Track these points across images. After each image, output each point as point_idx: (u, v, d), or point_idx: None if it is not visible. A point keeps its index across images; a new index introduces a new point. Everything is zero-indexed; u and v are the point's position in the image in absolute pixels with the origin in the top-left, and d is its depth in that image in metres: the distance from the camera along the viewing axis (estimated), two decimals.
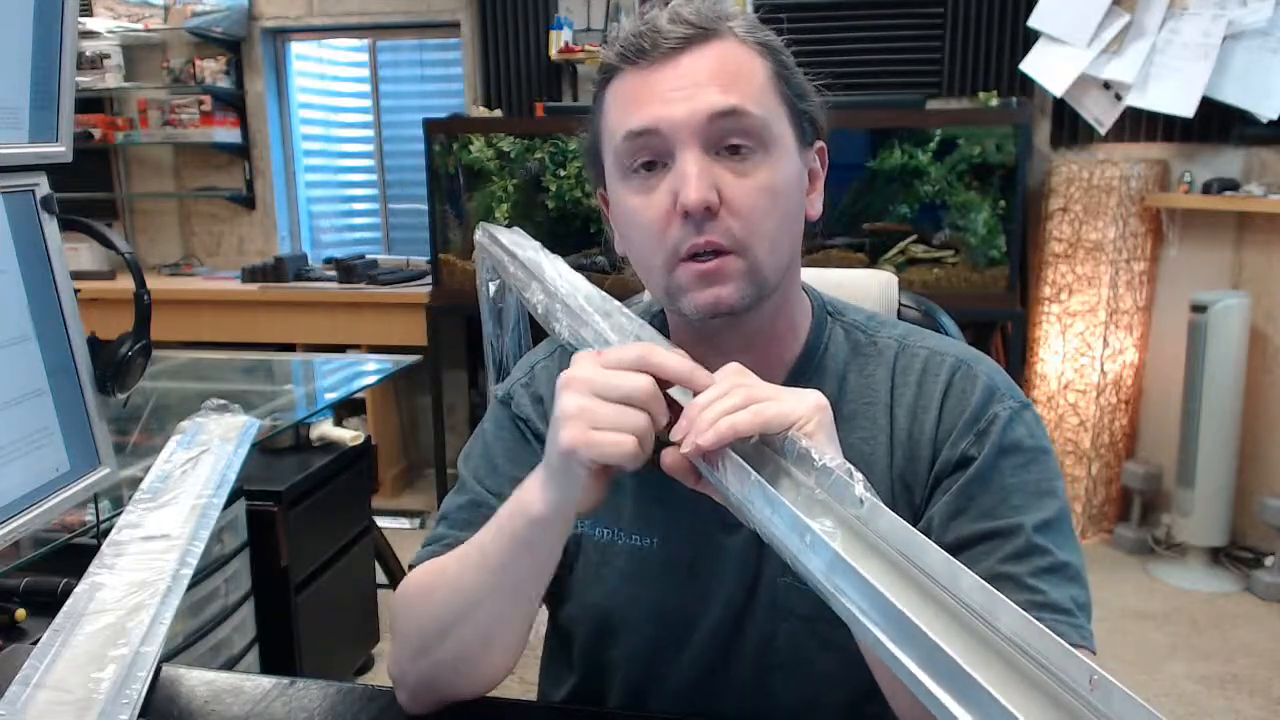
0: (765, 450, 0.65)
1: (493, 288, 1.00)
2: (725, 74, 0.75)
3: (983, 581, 0.50)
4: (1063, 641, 0.45)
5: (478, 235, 0.99)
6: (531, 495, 0.72)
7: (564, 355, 0.90)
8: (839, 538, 0.55)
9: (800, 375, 0.83)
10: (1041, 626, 0.46)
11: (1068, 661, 0.43)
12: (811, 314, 0.86)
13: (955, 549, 0.75)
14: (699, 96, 0.73)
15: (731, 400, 0.64)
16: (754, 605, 0.81)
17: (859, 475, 0.59)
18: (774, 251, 0.77)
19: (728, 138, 0.74)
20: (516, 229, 0.98)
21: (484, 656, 0.79)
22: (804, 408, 0.64)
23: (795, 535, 0.56)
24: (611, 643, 0.86)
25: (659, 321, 0.90)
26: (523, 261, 0.92)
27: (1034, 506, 0.75)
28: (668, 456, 0.67)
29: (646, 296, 1.00)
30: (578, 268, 0.91)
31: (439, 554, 0.82)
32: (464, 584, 0.77)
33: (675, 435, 0.66)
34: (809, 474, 0.61)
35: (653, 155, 0.75)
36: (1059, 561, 0.73)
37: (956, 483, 0.77)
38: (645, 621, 0.84)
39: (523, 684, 0.97)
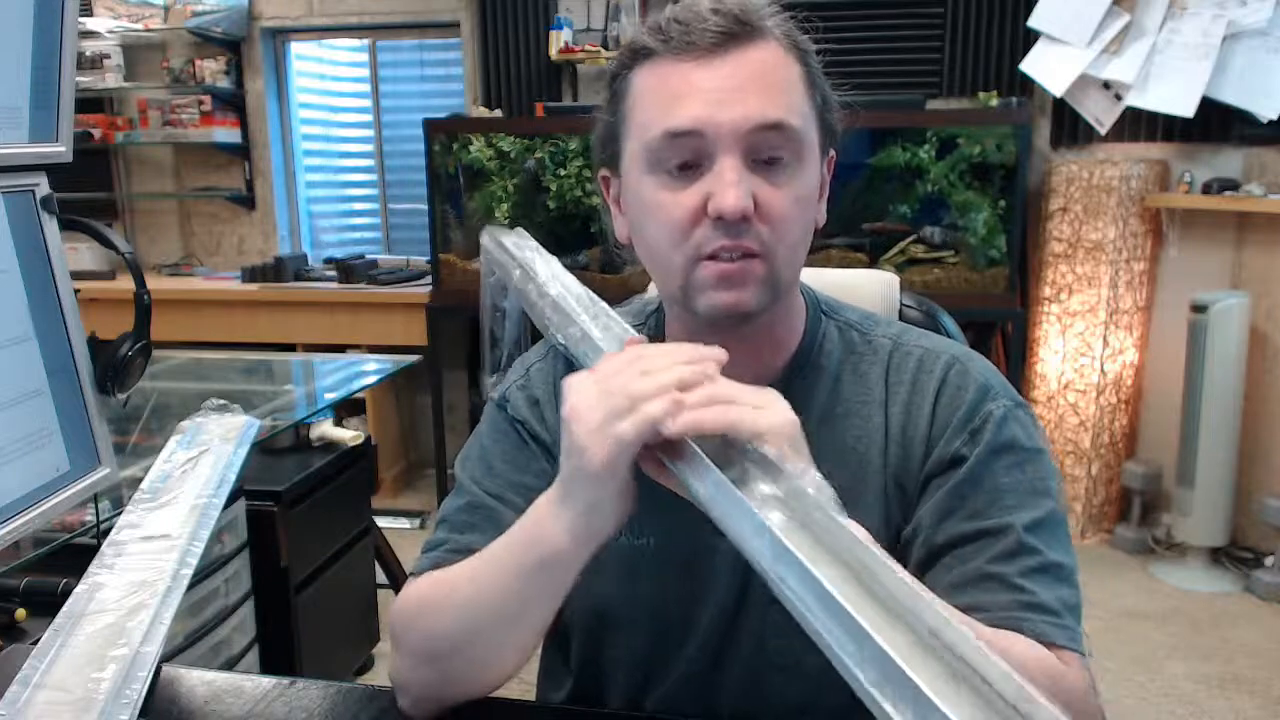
0: (731, 452, 0.64)
1: (495, 287, 1.00)
2: (770, 82, 0.74)
3: (942, 604, 0.49)
4: (1013, 673, 0.44)
5: (483, 238, 0.99)
6: (549, 529, 0.69)
7: (558, 356, 0.90)
8: (794, 536, 0.54)
9: (796, 373, 0.83)
10: (988, 651, 0.45)
11: (1015, 691, 0.43)
12: (806, 312, 0.86)
13: (945, 548, 0.75)
14: (745, 104, 0.72)
15: (701, 394, 0.63)
16: (746, 606, 0.82)
17: (828, 488, 0.58)
18: (793, 258, 0.78)
19: (768, 149, 0.74)
20: (519, 230, 0.98)
21: (494, 667, 0.78)
22: (772, 421, 0.62)
23: (752, 532, 0.55)
24: (609, 642, 0.86)
25: (655, 321, 0.90)
26: (520, 262, 0.92)
27: (1026, 506, 0.75)
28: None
29: (646, 295, 1.00)
30: (569, 268, 0.90)
31: (442, 560, 0.81)
32: (476, 607, 0.75)
33: None
34: (774, 481, 0.60)
35: (689, 156, 0.74)
36: (1049, 562, 0.73)
37: (948, 482, 0.76)
38: (642, 620, 0.84)
39: (522, 684, 0.97)
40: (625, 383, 0.63)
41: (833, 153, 0.83)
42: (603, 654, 0.87)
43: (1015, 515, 0.74)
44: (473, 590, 0.75)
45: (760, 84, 0.73)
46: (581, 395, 0.64)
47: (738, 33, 0.73)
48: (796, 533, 0.54)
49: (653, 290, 1.04)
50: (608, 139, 0.82)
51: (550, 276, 0.87)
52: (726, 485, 0.58)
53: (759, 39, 0.74)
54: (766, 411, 0.63)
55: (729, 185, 0.72)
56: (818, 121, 0.78)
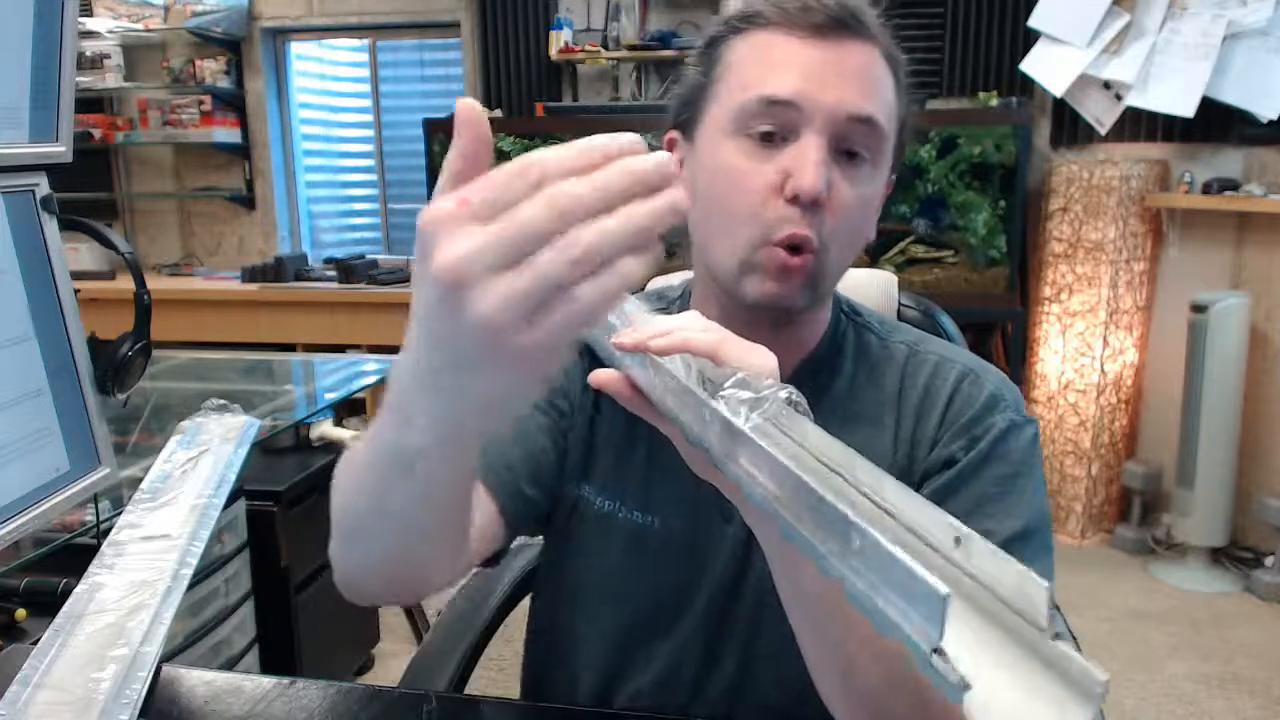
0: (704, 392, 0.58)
1: None
2: (870, 79, 0.75)
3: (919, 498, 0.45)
4: (946, 515, 0.41)
5: None
6: (405, 412, 0.48)
7: None
8: (764, 432, 0.50)
9: (814, 369, 0.83)
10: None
11: (936, 524, 0.42)
12: (831, 312, 0.86)
13: None
14: (844, 91, 0.73)
15: (696, 326, 0.58)
16: (741, 595, 0.82)
17: (801, 397, 0.53)
18: (843, 261, 0.78)
19: (852, 142, 0.74)
20: None
21: (377, 563, 0.66)
22: (761, 362, 0.57)
23: (724, 433, 0.51)
24: (601, 616, 0.86)
25: (679, 308, 0.89)
26: None
27: (1009, 517, 0.74)
28: (600, 374, 0.58)
29: (663, 282, 1.00)
30: None
31: None
32: (351, 495, 0.61)
33: (618, 338, 0.57)
34: (743, 387, 0.54)
35: (777, 126, 0.74)
36: None
37: (936, 482, 0.77)
38: (638, 597, 0.84)
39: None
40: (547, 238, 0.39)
41: (894, 176, 0.83)
42: (593, 627, 0.87)
43: (996, 524, 0.73)
44: (349, 473, 0.62)
45: (861, 77, 0.74)
46: (466, 248, 0.39)
47: (851, 24, 0.74)
48: (758, 423, 0.51)
49: (657, 282, 1.03)
50: (690, 99, 0.81)
51: None
52: (702, 397, 0.53)
53: (866, 38, 0.75)
54: (755, 349, 0.58)
55: (811, 164, 0.71)
56: (895, 135, 0.78)
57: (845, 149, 0.74)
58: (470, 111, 0.43)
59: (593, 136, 0.40)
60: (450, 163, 0.43)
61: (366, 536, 0.62)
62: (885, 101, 0.76)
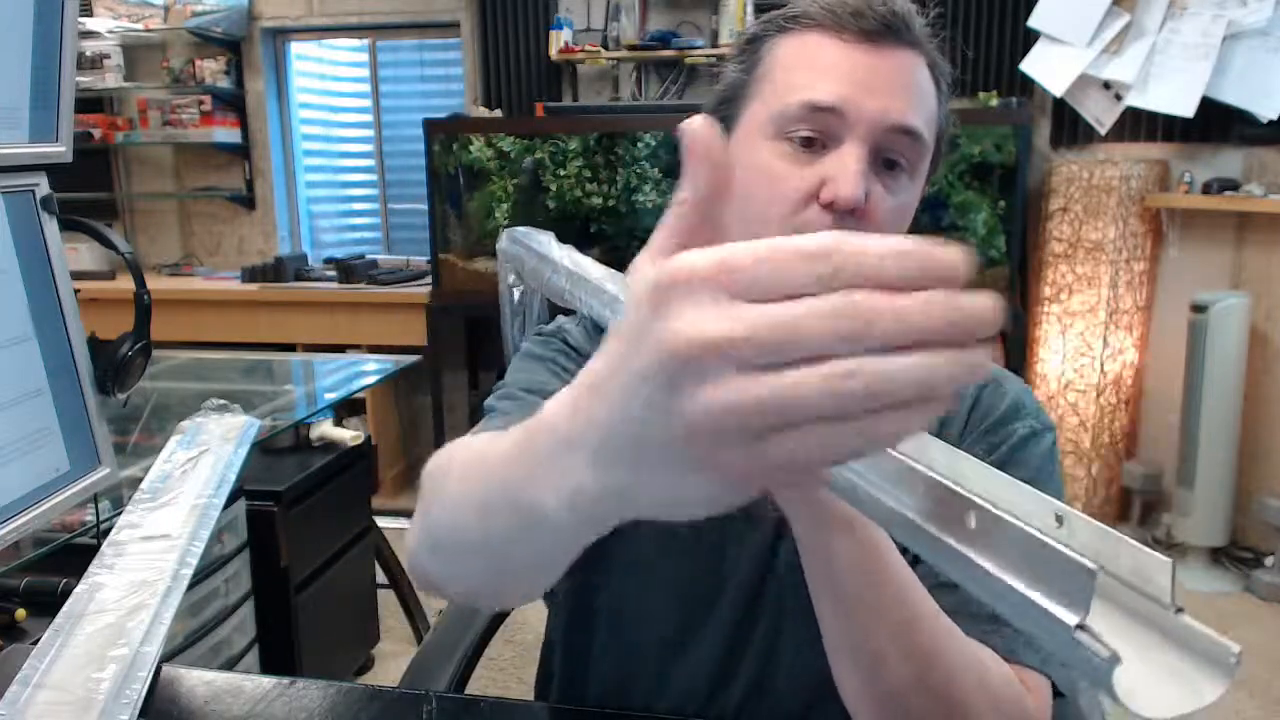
0: None
1: (516, 293, 0.99)
2: (916, 90, 0.74)
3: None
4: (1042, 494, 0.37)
5: (500, 243, 0.99)
6: (545, 472, 0.39)
7: (586, 319, 0.87)
8: None
9: None
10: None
11: (1038, 505, 0.39)
12: None
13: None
14: (890, 100, 0.72)
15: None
16: (762, 600, 0.82)
17: None
18: None
19: (893, 152, 0.73)
20: (532, 229, 0.98)
21: (475, 589, 0.61)
22: None
23: None
24: (623, 620, 0.86)
25: None
26: (534, 250, 0.92)
27: None
28: None
29: None
30: None
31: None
32: (453, 513, 0.53)
33: None
34: None
35: (818, 132, 0.72)
36: None
37: None
38: (661, 601, 0.84)
39: (521, 684, 0.97)
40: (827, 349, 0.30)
41: (929, 186, 0.82)
42: (614, 632, 0.86)
43: None
44: (456, 482, 0.54)
45: (907, 87, 0.73)
46: (720, 331, 0.30)
47: (900, 32, 0.73)
48: None
49: None
50: (729, 97, 0.79)
51: (564, 254, 0.87)
52: None
53: (914, 48, 0.75)
54: None
55: (851, 173, 0.70)
56: (934, 146, 0.77)
57: (885, 158, 0.73)
58: (704, 135, 0.35)
59: (916, 243, 0.30)
60: (683, 203, 0.35)
61: (462, 561, 0.55)
62: (929, 112, 0.75)
